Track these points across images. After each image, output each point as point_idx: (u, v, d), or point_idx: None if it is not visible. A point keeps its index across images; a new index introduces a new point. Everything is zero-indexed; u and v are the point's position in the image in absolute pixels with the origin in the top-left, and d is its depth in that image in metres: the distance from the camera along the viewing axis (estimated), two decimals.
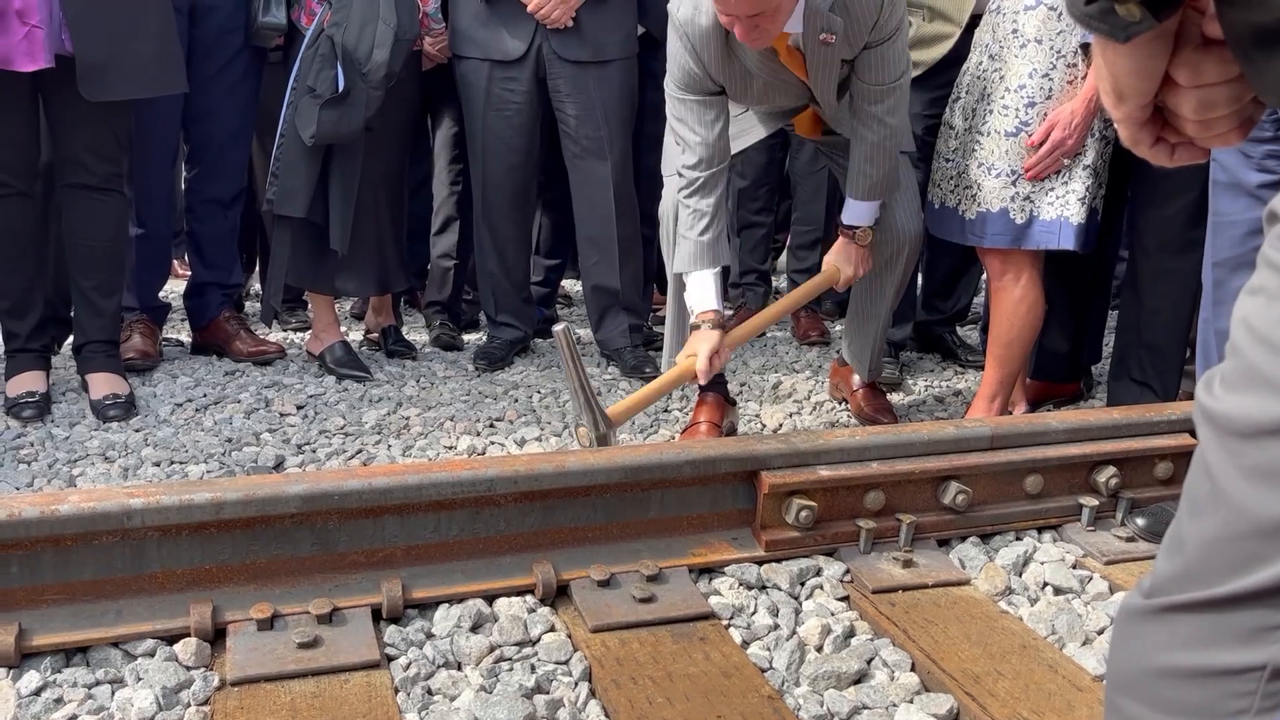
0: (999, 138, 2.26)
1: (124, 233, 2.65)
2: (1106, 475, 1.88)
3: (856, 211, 2.30)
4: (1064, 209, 2.25)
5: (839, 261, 2.33)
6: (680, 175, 2.21)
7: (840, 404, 2.77)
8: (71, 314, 2.70)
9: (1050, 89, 2.21)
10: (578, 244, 3.06)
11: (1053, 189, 2.25)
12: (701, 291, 2.19)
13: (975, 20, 2.53)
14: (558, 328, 2.03)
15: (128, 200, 2.66)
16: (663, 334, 3.33)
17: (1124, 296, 2.61)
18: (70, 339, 2.73)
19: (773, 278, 3.86)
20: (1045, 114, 2.22)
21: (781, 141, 3.43)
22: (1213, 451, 0.62)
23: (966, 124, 2.34)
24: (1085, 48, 2.21)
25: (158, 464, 2.24)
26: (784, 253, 4.03)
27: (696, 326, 2.18)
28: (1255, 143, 1.94)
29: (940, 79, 2.63)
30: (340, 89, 2.60)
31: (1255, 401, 0.59)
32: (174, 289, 3.41)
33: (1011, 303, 2.34)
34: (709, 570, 1.66)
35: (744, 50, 2.07)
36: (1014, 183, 2.26)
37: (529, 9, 2.74)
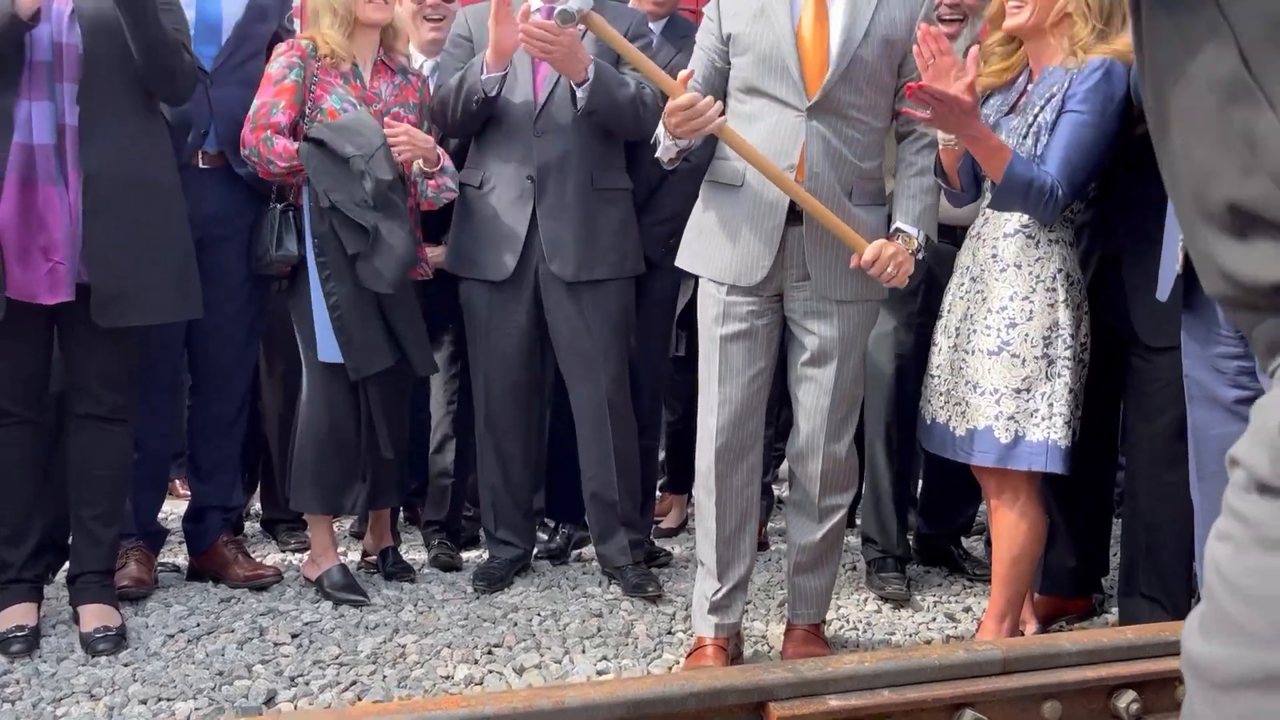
0: (983, 356, 2.33)
1: (128, 462, 2.66)
2: (1127, 700, 1.81)
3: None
4: (1050, 431, 2.29)
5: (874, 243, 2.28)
6: None
7: (847, 620, 2.71)
8: (69, 541, 2.68)
9: (1031, 310, 2.30)
10: (578, 454, 3.08)
11: (1037, 410, 2.30)
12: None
13: (957, 239, 2.66)
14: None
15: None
16: (664, 549, 3.32)
17: (1125, 509, 2.61)
18: (66, 566, 2.70)
19: (774, 488, 3.86)
20: (1027, 334, 2.29)
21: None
22: (1198, 701, 0.62)
23: (951, 342, 2.42)
24: (1065, 275, 2.31)
25: (144, 701, 2.16)
26: (784, 461, 4.04)
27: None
28: (1227, 358, 2.00)
29: (911, 305, 2.79)
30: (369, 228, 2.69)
31: (1231, 652, 0.59)
32: (172, 509, 3.40)
33: (1011, 522, 2.34)
34: None
35: None
36: (998, 401, 2.31)
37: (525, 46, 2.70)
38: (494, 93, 2.80)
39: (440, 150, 2.89)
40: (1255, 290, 0.64)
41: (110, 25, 2.38)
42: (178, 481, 3.92)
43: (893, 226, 2.35)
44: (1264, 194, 0.61)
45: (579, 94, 2.75)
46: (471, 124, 2.89)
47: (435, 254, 3.08)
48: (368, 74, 2.88)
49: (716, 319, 2.39)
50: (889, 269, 2.23)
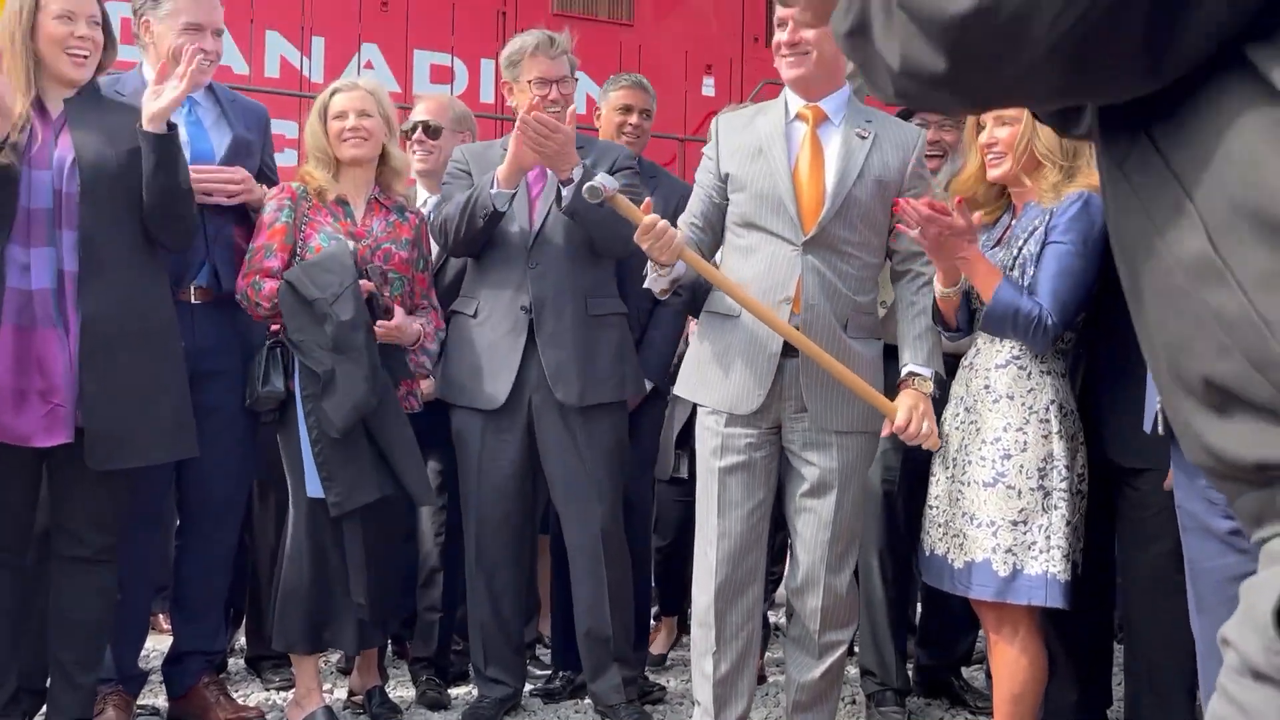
0: (978, 488, 2.33)
1: (111, 606, 2.60)
2: None
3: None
4: (1049, 564, 2.27)
5: (900, 402, 2.33)
6: None
7: None
8: (46, 685, 2.60)
9: (1025, 442, 2.31)
10: (571, 588, 3.03)
11: (1035, 542, 2.28)
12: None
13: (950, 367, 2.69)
14: None
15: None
16: (659, 684, 3.24)
17: (1125, 640, 2.57)
18: (43, 710, 2.62)
19: (770, 615, 3.79)
20: (1022, 466, 2.30)
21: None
22: None
23: (948, 473, 2.42)
24: (1058, 406, 2.33)
25: None
26: (781, 584, 3.98)
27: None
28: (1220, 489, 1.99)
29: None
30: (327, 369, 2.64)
31: None
32: (154, 645, 3.31)
33: (1012, 658, 2.30)
34: None
35: (764, 124, 2.45)
36: (995, 534, 2.30)
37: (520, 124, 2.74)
38: (504, 208, 2.83)
39: (420, 328, 2.89)
40: (1237, 467, 0.65)
41: (112, 173, 2.43)
42: (160, 616, 3.83)
43: (905, 370, 2.39)
44: (1240, 373, 0.62)
45: (564, 192, 2.78)
46: (474, 243, 2.90)
47: (428, 386, 3.09)
48: (360, 211, 2.91)
49: (715, 451, 2.42)
50: (924, 427, 2.30)
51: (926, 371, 2.37)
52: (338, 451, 2.69)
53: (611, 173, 2.92)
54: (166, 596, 3.45)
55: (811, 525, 2.40)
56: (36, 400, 2.31)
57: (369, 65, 6.27)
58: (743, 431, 2.39)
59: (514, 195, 2.85)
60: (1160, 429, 2.01)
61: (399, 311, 2.82)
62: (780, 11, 2.47)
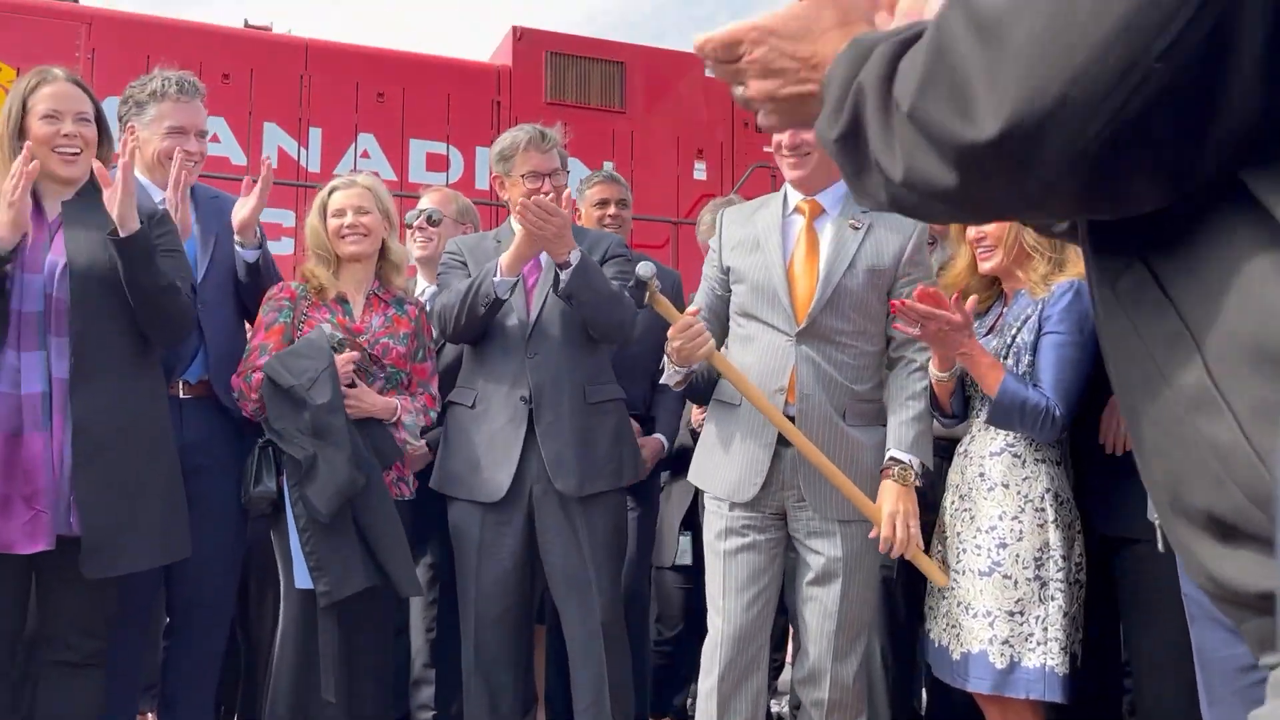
0: (974, 577, 2.30)
1: (99, 709, 2.53)
2: None
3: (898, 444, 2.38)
4: (1047, 657, 2.23)
5: (882, 502, 2.30)
6: None
7: None
8: None
9: (1020, 531, 2.29)
10: (571, 685, 2.96)
11: (1032, 634, 2.24)
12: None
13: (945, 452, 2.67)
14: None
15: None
16: None
17: None
18: None
19: (773, 704, 3.71)
20: (1018, 555, 2.27)
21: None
22: None
23: (941, 561, 2.40)
24: (1053, 495, 2.31)
25: None
26: (785, 669, 3.90)
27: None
28: None
29: None
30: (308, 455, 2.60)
31: None
32: None
33: None
34: None
35: (763, 219, 2.53)
36: (991, 624, 2.26)
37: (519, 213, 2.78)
38: (506, 296, 2.84)
39: (401, 403, 2.85)
40: (1240, 595, 0.63)
41: (103, 277, 2.39)
42: (150, 715, 3.74)
43: (888, 454, 2.38)
44: (1238, 507, 0.61)
45: (562, 276, 2.79)
46: (473, 330, 2.90)
47: (415, 451, 2.97)
48: (359, 307, 2.91)
49: (720, 534, 2.46)
50: (911, 529, 2.26)
51: (908, 458, 2.35)
52: (326, 540, 2.63)
53: (604, 260, 2.96)
54: (155, 695, 3.37)
55: (817, 614, 2.40)
56: (20, 506, 2.26)
57: (365, 155, 6.38)
58: (746, 515, 2.43)
59: (516, 283, 2.87)
60: (1160, 545, 1.99)
61: (361, 385, 2.77)
62: None
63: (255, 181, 2.89)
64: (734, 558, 2.41)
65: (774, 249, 2.48)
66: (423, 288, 3.43)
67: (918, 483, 2.34)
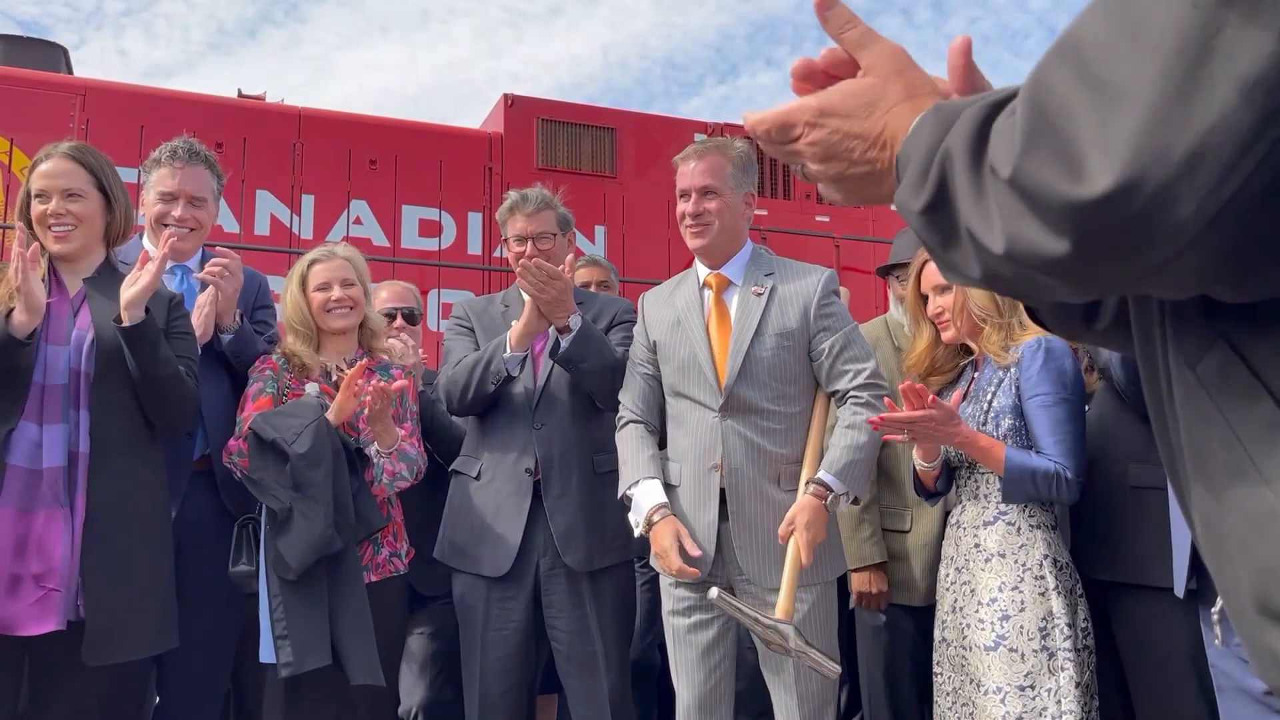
0: (980, 652, 2.27)
1: None
2: None
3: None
4: None
5: (794, 509, 2.34)
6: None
7: None
8: None
9: (1022, 601, 2.26)
10: None
11: (1046, 708, 2.20)
12: (650, 493, 2.43)
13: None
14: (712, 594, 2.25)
15: None
16: None
17: None
18: None
19: None
20: (1022, 627, 2.23)
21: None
22: None
23: (944, 635, 2.37)
24: (1051, 560, 2.29)
25: None
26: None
27: (650, 526, 2.40)
28: None
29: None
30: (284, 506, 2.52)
31: None
32: None
33: None
34: None
35: (680, 296, 2.56)
36: (1003, 700, 2.23)
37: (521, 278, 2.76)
38: (517, 373, 2.84)
39: (402, 431, 2.79)
40: None
41: (121, 355, 2.38)
42: None
43: (817, 475, 2.39)
44: None
45: (562, 341, 2.78)
46: (481, 405, 2.89)
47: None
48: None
49: (673, 611, 2.53)
50: (803, 542, 2.28)
51: (829, 479, 2.35)
52: (297, 603, 2.50)
53: (612, 325, 2.95)
54: None
55: (780, 691, 2.44)
56: (30, 585, 2.21)
57: (358, 221, 6.40)
58: (692, 595, 2.47)
59: (525, 358, 2.86)
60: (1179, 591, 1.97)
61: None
62: (684, 183, 2.57)
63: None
64: (686, 637, 2.49)
65: (695, 324, 2.54)
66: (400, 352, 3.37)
67: (840, 508, 2.38)
